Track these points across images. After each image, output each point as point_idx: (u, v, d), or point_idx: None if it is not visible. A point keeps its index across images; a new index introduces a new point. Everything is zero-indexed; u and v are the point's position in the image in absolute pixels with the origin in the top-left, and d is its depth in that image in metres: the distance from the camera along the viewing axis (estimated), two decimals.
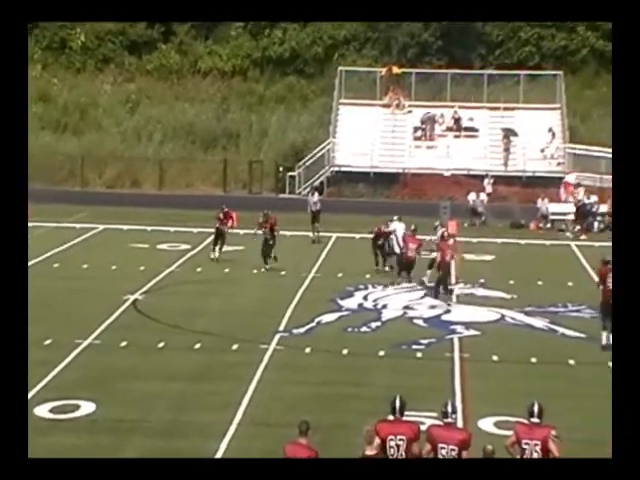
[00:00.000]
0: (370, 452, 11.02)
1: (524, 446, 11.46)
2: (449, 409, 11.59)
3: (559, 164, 40.30)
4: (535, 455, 11.45)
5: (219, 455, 14.05)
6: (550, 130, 40.91)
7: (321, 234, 31.70)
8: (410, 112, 43.16)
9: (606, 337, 18.87)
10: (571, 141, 40.64)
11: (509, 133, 41.16)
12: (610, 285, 18.63)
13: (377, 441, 11.25)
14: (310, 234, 31.04)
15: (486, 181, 38.27)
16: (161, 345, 19.46)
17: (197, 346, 19.43)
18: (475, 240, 32.04)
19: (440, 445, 11.24)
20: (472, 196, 36.09)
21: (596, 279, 20.01)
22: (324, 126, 43.06)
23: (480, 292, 24.50)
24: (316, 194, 32.84)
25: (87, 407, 15.70)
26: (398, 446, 11.28)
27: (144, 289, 24.16)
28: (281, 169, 41.31)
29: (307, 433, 11.10)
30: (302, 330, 20.61)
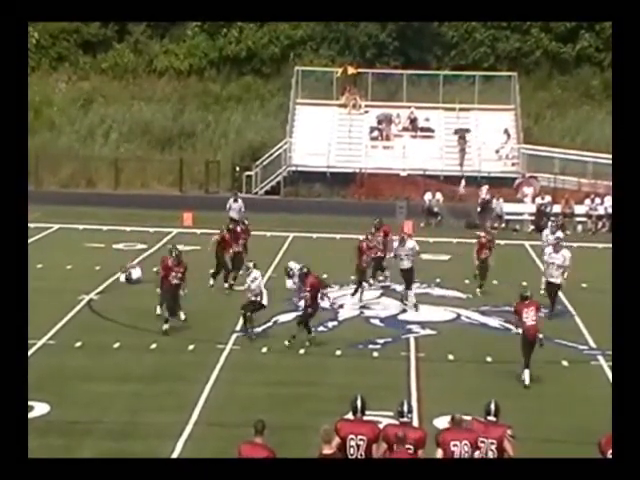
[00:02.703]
0: (328, 451, 11.02)
1: (480, 444, 11.55)
2: (405, 408, 11.64)
3: (514, 164, 40.62)
4: (490, 454, 11.54)
5: (175, 456, 13.99)
6: (505, 131, 41.22)
7: (277, 234, 31.66)
8: (366, 112, 43.26)
9: (528, 375, 17.47)
10: (525, 142, 40.97)
11: (464, 133, 41.42)
12: (529, 321, 17.46)
13: (336, 440, 11.25)
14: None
15: (463, 183, 38.36)
16: (116, 345, 19.33)
17: (153, 346, 19.33)
18: (431, 240, 32.20)
19: (396, 445, 11.29)
20: (428, 196, 36.29)
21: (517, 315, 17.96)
22: (281, 126, 43.03)
23: (436, 292, 24.64)
24: (239, 200, 30.72)
25: (41, 408, 15.55)
26: (358, 446, 11.30)
27: (99, 289, 23.99)
28: (237, 169, 41.22)
29: (263, 432, 11.08)
30: (259, 330, 20.58)
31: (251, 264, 20.40)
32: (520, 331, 17.86)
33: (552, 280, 22.02)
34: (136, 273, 25.03)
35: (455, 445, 11.27)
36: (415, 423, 14.23)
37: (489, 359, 19.08)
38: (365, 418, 11.67)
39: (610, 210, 35.18)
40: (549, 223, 27.23)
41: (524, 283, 24.23)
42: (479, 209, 35.31)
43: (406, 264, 22.70)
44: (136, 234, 31.81)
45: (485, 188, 36.05)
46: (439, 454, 11.30)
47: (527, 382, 17.45)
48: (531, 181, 38.58)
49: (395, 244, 23.17)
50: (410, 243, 22.93)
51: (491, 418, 11.78)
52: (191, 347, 19.30)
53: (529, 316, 17.53)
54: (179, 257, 20.40)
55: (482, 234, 24.87)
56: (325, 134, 41.56)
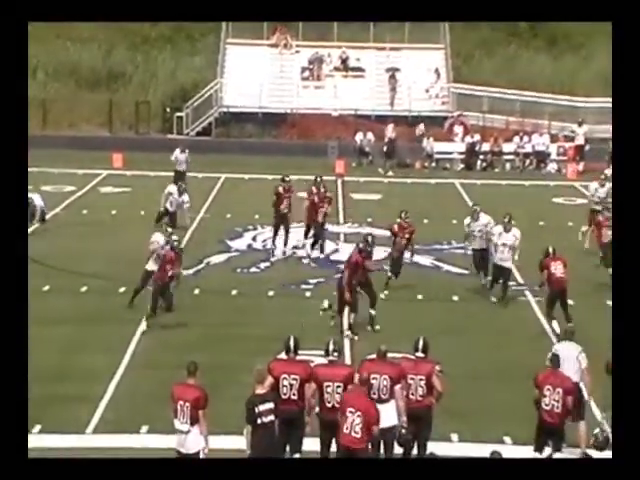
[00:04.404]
0: (261, 391, 11.15)
1: (409, 381, 11.76)
2: (330, 347, 11.79)
3: (444, 103, 40.80)
4: (420, 390, 11.76)
5: (106, 397, 14.04)
6: (436, 70, 41.31)
7: (209, 175, 31.53)
8: (298, 52, 42.99)
9: (557, 325, 16.94)
10: (455, 81, 41.14)
11: (395, 73, 41.41)
12: (558, 273, 17.00)
13: (269, 380, 11.38)
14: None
15: (421, 126, 38.09)
16: (46, 288, 19.19)
17: (84, 289, 19.24)
18: (362, 179, 32.37)
19: (325, 384, 11.47)
20: (359, 136, 36.33)
21: (541, 275, 17.31)
22: (212, 67, 42.55)
23: (367, 231, 24.76)
24: (187, 151, 28.19)
25: None
26: (291, 385, 11.46)
27: (28, 231, 23.68)
28: (168, 110, 40.77)
29: (195, 374, 11.17)
30: (191, 271, 20.56)
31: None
32: (545, 287, 17.42)
33: (502, 264, 18.80)
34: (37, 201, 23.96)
35: (374, 379, 11.50)
36: (348, 363, 14.46)
37: (420, 297, 19.36)
38: (298, 358, 11.81)
39: (537, 148, 35.97)
40: (601, 177, 23.94)
41: (454, 221, 24.55)
42: (385, 148, 35.12)
43: (477, 243, 19.74)
44: (64, 176, 31.40)
45: (391, 127, 36.00)
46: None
47: (558, 330, 16.56)
48: (462, 119, 38.81)
49: (467, 220, 20.00)
50: (484, 218, 19.77)
51: (419, 354, 11.98)
52: (122, 290, 19.21)
53: (557, 268, 17.06)
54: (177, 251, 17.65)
55: (602, 214, 20.87)
56: (256, 74, 41.20)
